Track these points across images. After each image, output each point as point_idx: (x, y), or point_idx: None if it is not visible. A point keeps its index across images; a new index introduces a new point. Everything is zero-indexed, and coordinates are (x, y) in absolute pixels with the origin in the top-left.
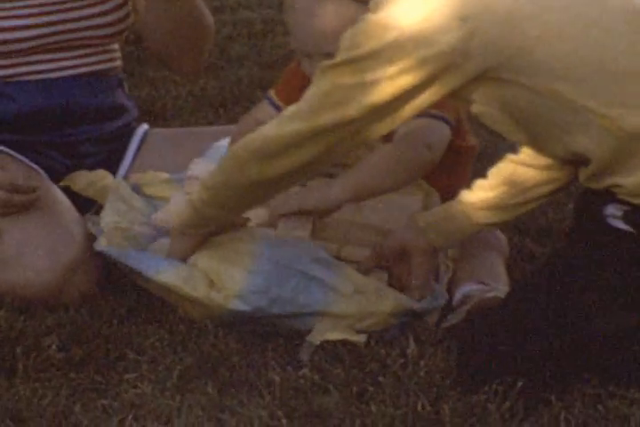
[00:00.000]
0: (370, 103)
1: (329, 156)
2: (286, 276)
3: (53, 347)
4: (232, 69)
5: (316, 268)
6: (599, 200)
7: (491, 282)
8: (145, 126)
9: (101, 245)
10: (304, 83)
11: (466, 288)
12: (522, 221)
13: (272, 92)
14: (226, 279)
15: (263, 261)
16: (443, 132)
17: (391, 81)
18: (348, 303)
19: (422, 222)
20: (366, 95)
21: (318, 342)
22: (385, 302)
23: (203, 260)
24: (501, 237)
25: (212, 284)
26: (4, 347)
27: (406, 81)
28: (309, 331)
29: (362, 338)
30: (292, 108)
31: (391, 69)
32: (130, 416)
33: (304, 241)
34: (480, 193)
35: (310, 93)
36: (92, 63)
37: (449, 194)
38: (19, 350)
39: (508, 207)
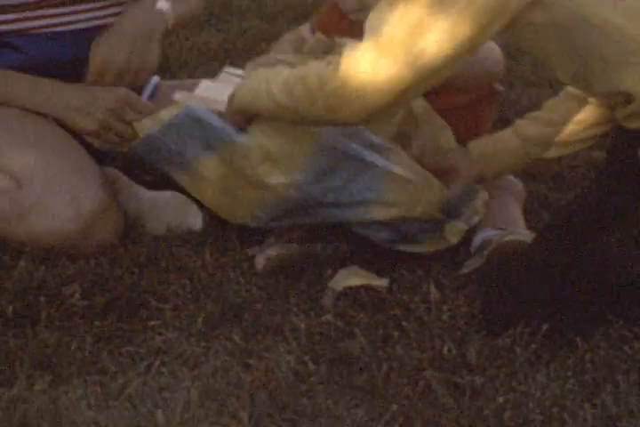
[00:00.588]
0: (455, 30)
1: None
2: (342, 162)
3: (76, 295)
4: (235, 22)
5: (370, 154)
6: (634, 141)
7: (508, 227)
8: (156, 78)
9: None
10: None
11: (484, 233)
12: (536, 168)
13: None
14: (284, 159)
15: (322, 145)
16: None
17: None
18: (399, 191)
19: (476, 152)
20: (448, 22)
21: (341, 289)
22: (433, 190)
23: (264, 134)
24: (518, 183)
25: (270, 161)
26: (26, 296)
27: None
28: (359, 222)
29: (384, 282)
30: (365, 45)
31: None
32: (157, 362)
33: (359, 128)
34: (538, 127)
35: (390, 27)
36: (100, 17)
37: (470, 135)
38: (42, 299)
39: (568, 144)
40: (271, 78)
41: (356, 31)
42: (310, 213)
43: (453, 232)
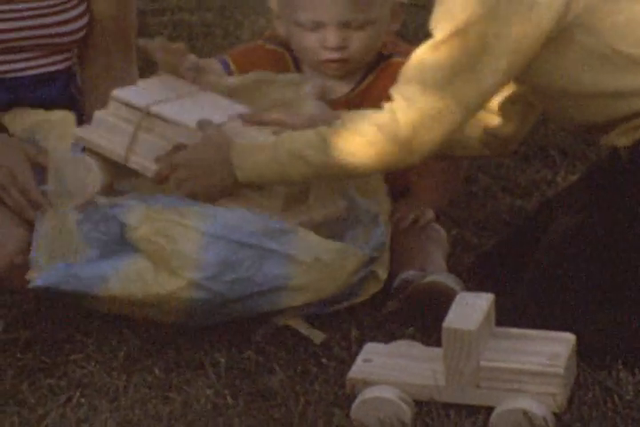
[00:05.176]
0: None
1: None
2: (239, 252)
3: None
4: None
5: (269, 240)
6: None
7: (429, 268)
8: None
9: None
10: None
11: (405, 274)
12: (460, 215)
13: (227, 56)
14: (176, 262)
15: (211, 238)
16: None
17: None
18: (309, 273)
19: None
20: (495, 55)
21: (279, 324)
22: (346, 261)
23: (147, 240)
24: (440, 228)
25: (161, 270)
26: None
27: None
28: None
29: (319, 338)
30: (414, 87)
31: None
32: (77, 394)
33: (247, 212)
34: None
35: (433, 68)
36: (48, 64)
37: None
38: None
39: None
40: (293, 144)
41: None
42: (225, 311)
43: (379, 267)
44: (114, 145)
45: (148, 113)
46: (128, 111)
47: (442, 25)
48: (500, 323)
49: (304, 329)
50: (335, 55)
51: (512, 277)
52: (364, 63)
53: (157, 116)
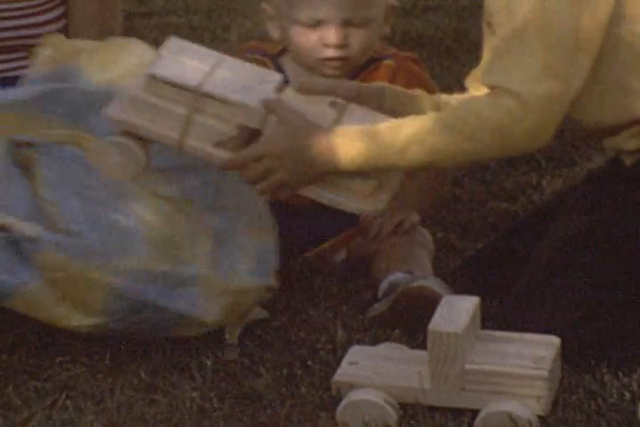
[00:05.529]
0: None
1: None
2: (144, 310)
3: None
4: None
5: (168, 296)
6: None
7: (417, 272)
8: None
9: None
10: None
11: (392, 277)
12: (445, 218)
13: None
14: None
15: (114, 300)
16: None
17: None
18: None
19: None
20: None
21: (236, 340)
22: (247, 297)
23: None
24: (425, 232)
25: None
26: None
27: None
28: None
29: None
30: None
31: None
32: (62, 397)
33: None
34: None
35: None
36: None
37: None
38: None
39: None
40: (408, 130)
41: None
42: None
43: None
44: (164, 128)
45: (199, 93)
46: (173, 91)
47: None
48: (485, 326)
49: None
50: (336, 53)
51: (499, 282)
52: (358, 64)
53: (210, 96)
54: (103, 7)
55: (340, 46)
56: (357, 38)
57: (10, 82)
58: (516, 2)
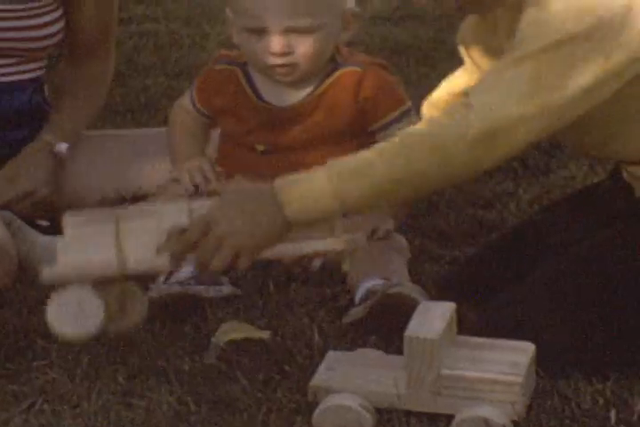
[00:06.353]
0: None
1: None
2: None
3: None
4: (139, 78)
5: None
6: None
7: (393, 278)
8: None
9: None
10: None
11: (368, 283)
12: (423, 225)
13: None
14: None
15: None
16: None
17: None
18: None
19: None
20: (578, 76)
21: (223, 343)
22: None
23: None
24: (402, 238)
25: None
26: None
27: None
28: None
29: (265, 334)
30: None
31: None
32: (39, 400)
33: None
34: None
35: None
36: (17, 73)
37: None
38: None
39: None
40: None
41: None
42: None
43: None
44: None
45: (117, 219)
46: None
47: (531, 40)
48: (462, 333)
49: (247, 333)
50: (280, 61)
51: (479, 290)
52: (316, 70)
53: (128, 216)
54: (104, 12)
55: (283, 54)
56: (302, 46)
57: (4, 88)
58: None
